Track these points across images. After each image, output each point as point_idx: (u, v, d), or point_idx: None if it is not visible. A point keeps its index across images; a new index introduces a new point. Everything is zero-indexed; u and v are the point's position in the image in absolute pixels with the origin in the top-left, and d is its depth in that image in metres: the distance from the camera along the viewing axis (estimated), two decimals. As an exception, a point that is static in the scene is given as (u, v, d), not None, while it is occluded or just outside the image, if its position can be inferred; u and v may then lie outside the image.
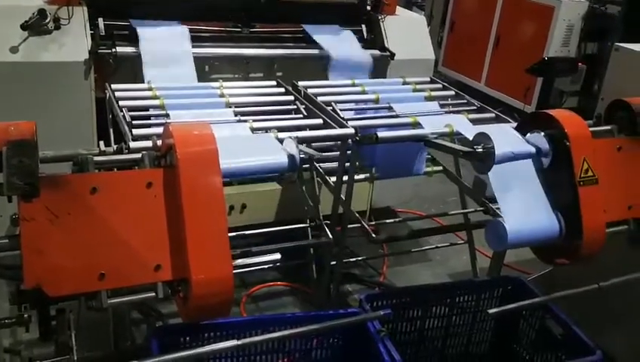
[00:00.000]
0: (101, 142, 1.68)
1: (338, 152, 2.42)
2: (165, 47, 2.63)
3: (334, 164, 2.49)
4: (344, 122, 2.20)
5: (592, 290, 1.74)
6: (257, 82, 2.67)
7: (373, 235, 2.39)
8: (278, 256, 1.73)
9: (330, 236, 2.40)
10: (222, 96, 2.35)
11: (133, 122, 2.04)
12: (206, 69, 2.92)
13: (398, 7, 3.35)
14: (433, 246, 3.27)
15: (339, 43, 3.01)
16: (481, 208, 2.65)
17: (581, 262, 1.80)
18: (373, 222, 2.73)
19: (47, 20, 2.44)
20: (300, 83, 2.56)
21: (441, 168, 2.77)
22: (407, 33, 3.24)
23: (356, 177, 2.43)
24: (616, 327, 2.43)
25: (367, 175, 2.59)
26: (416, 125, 2.26)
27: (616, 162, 1.89)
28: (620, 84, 2.45)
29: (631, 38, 2.65)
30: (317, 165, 2.51)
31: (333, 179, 2.44)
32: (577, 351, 2.00)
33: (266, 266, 2.90)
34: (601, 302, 2.09)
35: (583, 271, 1.87)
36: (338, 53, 2.93)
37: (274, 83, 2.60)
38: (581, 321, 2.12)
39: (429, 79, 2.84)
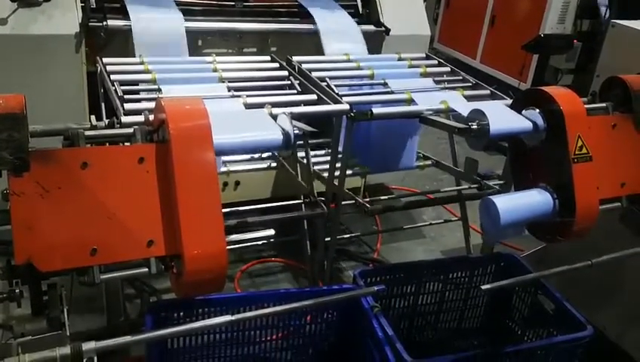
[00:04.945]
0: (92, 117, 1.65)
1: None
2: (156, 21, 2.59)
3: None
4: (338, 98, 2.18)
5: (584, 267, 1.75)
6: (251, 57, 2.63)
7: (368, 206, 2.39)
8: (272, 231, 1.73)
9: (325, 208, 2.40)
10: (215, 70, 2.32)
11: (125, 96, 2.01)
12: (199, 43, 2.88)
13: (393, -19, 3.31)
14: (427, 223, 3.28)
15: (330, 16, 2.97)
16: (475, 185, 2.66)
17: (574, 239, 1.81)
18: (367, 199, 2.72)
19: (36, -8, 2.41)
20: (295, 58, 2.52)
21: (430, 163, 2.83)
22: (403, 8, 3.19)
23: (348, 172, 2.45)
24: (608, 303, 2.45)
25: (358, 168, 2.64)
26: (411, 102, 2.25)
27: (610, 139, 1.88)
28: (615, 61, 2.44)
29: (627, 15, 2.62)
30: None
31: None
32: (569, 326, 2.02)
33: (260, 242, 2.93)
34: (593, 278, 2.11)
35: (576, 248, 1.87)
36: (329, 26, 2.90)
37: (268, 58, 2.57)
38: (573, 297, 2.14)
39: (424, 55, 2.81)
